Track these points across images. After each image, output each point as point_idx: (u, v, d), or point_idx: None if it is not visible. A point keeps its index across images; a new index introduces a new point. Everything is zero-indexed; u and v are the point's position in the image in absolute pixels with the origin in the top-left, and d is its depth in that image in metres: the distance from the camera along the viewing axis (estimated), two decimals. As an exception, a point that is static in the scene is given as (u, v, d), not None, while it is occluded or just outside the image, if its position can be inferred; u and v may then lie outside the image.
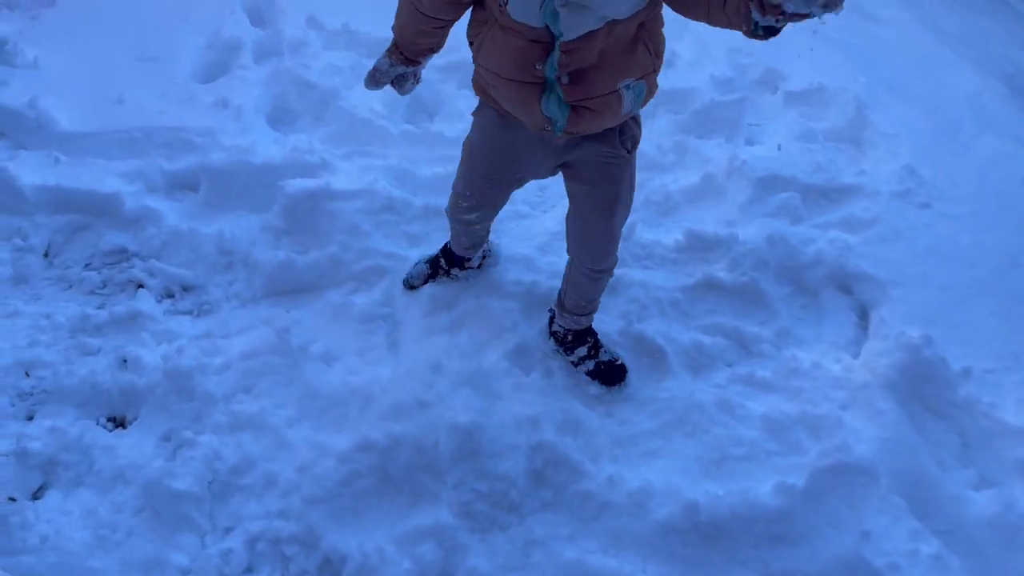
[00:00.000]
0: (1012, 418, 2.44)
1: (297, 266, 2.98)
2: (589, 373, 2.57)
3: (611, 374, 2.56)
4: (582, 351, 2.58)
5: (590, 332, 2.61)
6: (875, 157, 3.44)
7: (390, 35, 2.08)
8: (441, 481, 2.23)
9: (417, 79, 2.21)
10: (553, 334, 2.64)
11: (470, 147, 2.27)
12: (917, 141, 3.47)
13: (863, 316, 2.83)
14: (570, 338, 2.59)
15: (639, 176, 3.48)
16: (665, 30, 1.93)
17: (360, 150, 3.49)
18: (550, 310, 2.68)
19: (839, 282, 2.92)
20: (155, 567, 2.09)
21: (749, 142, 3.71)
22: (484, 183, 2.31)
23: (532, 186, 3.47)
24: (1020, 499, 2.27)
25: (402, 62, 2.12)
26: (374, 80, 2.14)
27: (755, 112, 3.90)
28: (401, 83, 2.17)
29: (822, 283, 2.92)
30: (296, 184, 3.14)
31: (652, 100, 3.89)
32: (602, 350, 2.59)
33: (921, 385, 2.55)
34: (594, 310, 2.56)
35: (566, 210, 3.33)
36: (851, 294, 2.89)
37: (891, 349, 2.57)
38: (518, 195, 3.39)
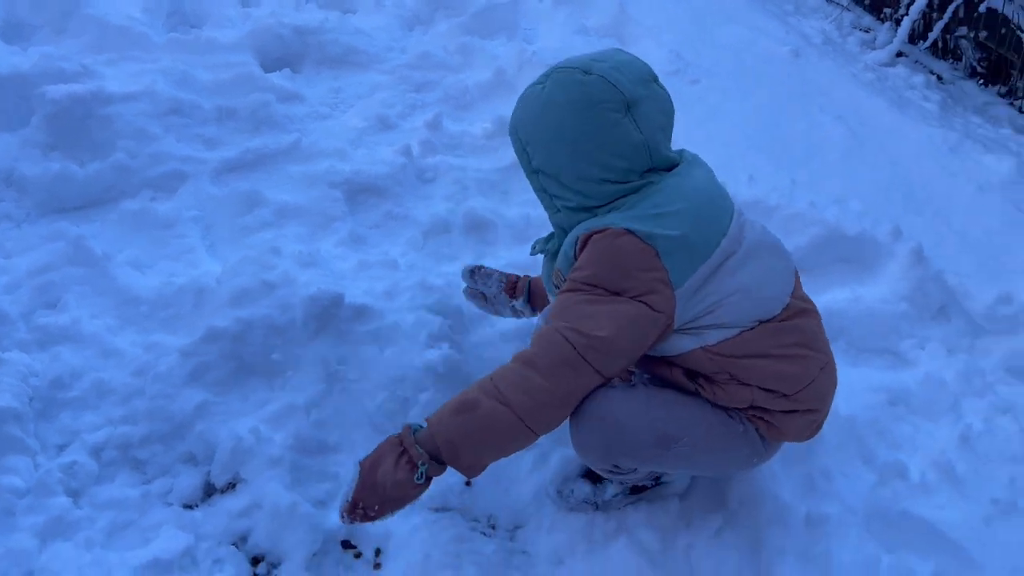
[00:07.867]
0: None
1: (78, 179, 2.63)
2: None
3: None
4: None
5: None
6: (644, 46, 3.73)
7: None
8: (303, 356, 2.09)
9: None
10: None
11: None
12: (675, 30, 3.82)
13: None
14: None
15: (432, 75, 3.52)
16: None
17: (124, 56, 3.13)
18: None
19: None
20: (-17, 495, 1.76)
21: (528, 41, 3.85)
22: None
23: (326, 87, 3.36)
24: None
25: None
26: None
27: (526, 15, 4.06)
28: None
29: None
30: (60, 90, 2.74)
31: (431, 5, 3.98)
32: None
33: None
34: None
35: (362, 108, 3.27)
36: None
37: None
38: (315, 97, 3.26)
